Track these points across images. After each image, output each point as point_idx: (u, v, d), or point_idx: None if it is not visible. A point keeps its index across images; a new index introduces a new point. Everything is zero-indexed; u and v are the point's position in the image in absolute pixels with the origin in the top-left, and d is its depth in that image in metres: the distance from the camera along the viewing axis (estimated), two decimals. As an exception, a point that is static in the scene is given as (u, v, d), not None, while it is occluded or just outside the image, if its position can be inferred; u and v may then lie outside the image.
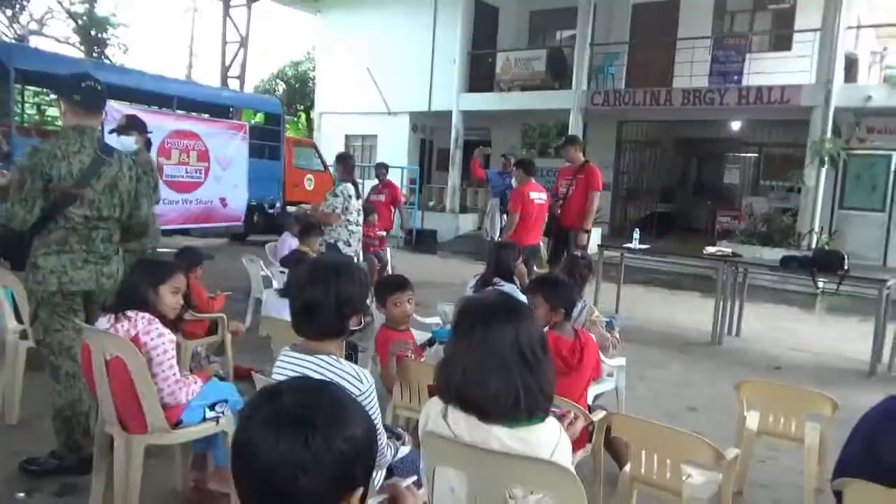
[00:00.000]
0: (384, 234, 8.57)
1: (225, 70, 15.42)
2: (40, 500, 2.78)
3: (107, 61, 14.35)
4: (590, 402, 3.10)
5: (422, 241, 13.68)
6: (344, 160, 6.29)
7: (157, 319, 2.52)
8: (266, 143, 11.95)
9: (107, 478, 2.60)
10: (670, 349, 6.06)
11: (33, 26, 14.55)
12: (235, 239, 12.30)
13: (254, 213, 11.58)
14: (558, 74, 14.44)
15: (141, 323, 2.48)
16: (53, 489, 2.85)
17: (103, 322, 2.54)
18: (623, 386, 3.75)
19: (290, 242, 6.54)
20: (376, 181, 9.41)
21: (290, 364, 1.98)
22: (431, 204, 15.98)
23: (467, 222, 15.11)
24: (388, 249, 8.57)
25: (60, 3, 14.63)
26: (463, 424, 1.61)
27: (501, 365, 1.56)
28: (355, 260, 5.94)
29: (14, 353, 3.66)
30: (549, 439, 1.58)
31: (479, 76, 15.39)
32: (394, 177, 15.89)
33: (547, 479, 1.57)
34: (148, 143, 4.93)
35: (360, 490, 0.98)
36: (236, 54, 15.48)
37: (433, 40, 15.93)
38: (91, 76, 2.98)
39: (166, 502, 2.80)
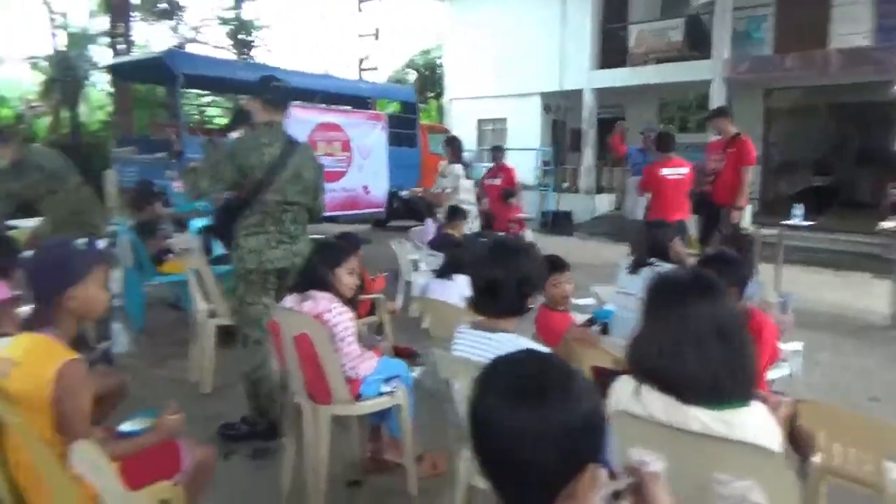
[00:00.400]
0: (524, 216, 8.56)
1: (360, 63, 16.01)
2: (237, 463, 3.08)
3: (254, 61, 15.30)
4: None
5: (557, 224, 13.53)
6: (452, 143, 6.43)
7: (337, 298, 2.69)
8: (402, 131, 12.28)
9: (296, 444, 2.82)
10: (843, 333, 5.59)
11: (190, 34, 15.81)
12: (377, 225, 12.80)
13: (393, 200, 11.98)
14: (697, 44, 13.62)
15: (323, 302, 2.65)
16: (248, 453, 3.14)
17: (290, 301, 2.74)
18: (799, 372, 3.51)
19: (429, 227, 6.72)
20: (492, 164, 9.38)
21: (469, 341, 2.03)
22: (566, 185, 15.73)
23: (604, 203, 14.74)
24: (529, 231, 8.56)
25: (214, 13, 15.74)
26: (659, 405, 1.57)
27: (699, 343, 1.51)
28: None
29: (205, 329, 4.06)
30: (756, 423, 1.50)
31: (611, 51, 14.86)
32: (526, 159, 15.94)
33: (755, 465, 1.50)
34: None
35: (593, 468, 0.97)
36: (370, 47, 16.02)
37: (563, 17, 15.59)
38: (277, 77, 3.35)
39: (345, 469, 2.99)
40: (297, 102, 10.75)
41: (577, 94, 15.05)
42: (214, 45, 16.37)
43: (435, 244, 5.71)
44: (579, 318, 3.42)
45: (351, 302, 2.79)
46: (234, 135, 4.87)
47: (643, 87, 14.49)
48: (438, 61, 22.44)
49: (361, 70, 15.70)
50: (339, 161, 10.67)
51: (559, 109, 17.42)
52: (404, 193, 11.42)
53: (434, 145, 13.24)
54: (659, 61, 13.94)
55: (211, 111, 15.06)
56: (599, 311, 3.40)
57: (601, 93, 14.88)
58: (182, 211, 7.14)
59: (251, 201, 3.20)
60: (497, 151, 9.34)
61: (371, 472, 2.99)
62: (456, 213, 5.74)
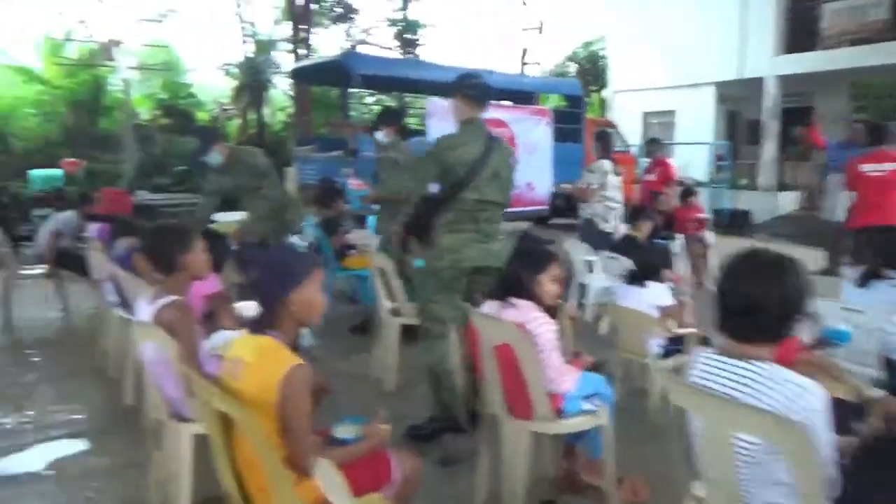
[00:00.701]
0: (704, 216, 7.93)
1: (522, 57, 15.83)
2: (428, 469, 3.03)
3: (422, 60, 15.66)
4: None
5: (734, 223, 12.51)
6: (601, 138, 6.30)
7: (539, 307, 2.53)
8: (566, 126, 11.94)
9: (489, 456, 2.71)
10: None
11: (360, 36, 16.50)
12: (539, 222, 12.58)
13: (556, 197, 11.69)
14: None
15: (525, 311, 2.50)
16: (437, 458, 3.09)
17: (489, 308, 2.63)
18: None
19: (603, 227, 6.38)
20: (648, 159, 8.76)
21: (713, 369, 1.77)
22: (743, 182, 14.52)
23: (787, 201, 13.42)
24: (710, 233, 7.91)
25: (385, 17, 16.31)
26: None
27: None
28: (614, 236, 6.04)
29: (389, 328, 4.10)
30: None
31: (799, 34, 13.44)
32: (698, 154, 14.92)
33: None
34: (403, 132, 5.21)
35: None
36: (533, 41, 15.78)
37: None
38: (476, 74, 3.32)
39: (538, 485, 2.83)
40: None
41: (757, 82, 13.81)
42: (382, 45, 16.97)
43: (616, 246, 5.40)
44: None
45: (551, 310, 2.62)
46: (380, 134, 5.00)
47: (834, 72, 12.97)
48: (602, 53, 21.70)
49: (524, 64, 15.50)
50: (504, 157, 10.58)
51: (735, 100, 16.13)
52: (564, 187, 11.10)
53: (600, 140, 12.76)
54: (853, 43, 12.38)
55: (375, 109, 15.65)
56: (831, 330, 2.95)
57: (785, 80, 13.53)
58: (358, 208, 7.40)
59: (449, 199, 3.19)
60: (652, 145, 8.74)
61: (565, 492, 2.81)
62: (639, 213, 5.38)
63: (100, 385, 4.22)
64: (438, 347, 3.30)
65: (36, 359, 4.83)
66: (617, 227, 6.17)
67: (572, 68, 21.78)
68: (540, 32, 15.30)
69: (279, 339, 1.88)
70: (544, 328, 2.48)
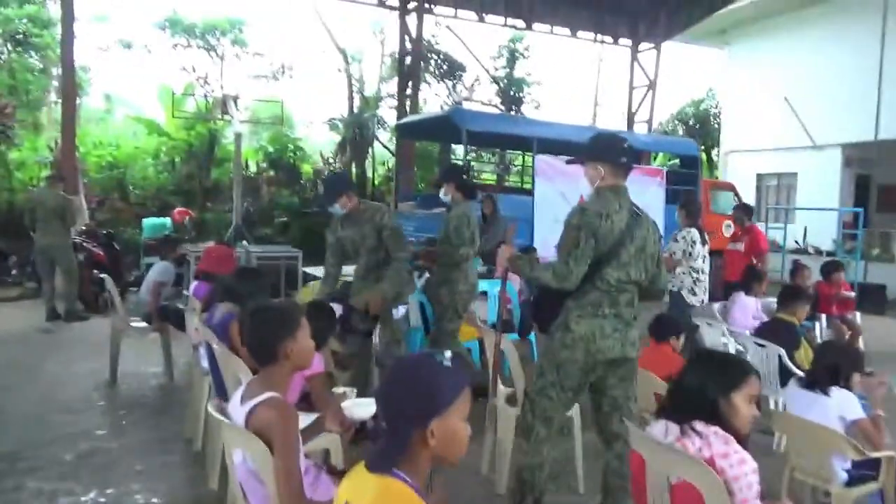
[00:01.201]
0: (851, 294, 6.97)
1: (631, 115, 15.25)
2: None
3: (530, 117, 15.40)
4: None
5: (866, 299, 11.15)
6: (688, 205, 6.04)
7: (732, 438, 1.92)
8: (681, 187, 11.19)
9: None
10: None
11: (464, 94, 16.47)
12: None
13: (668, 263, 10.87)
14: None
15: (716, 442, 1.91)
16: None
17: (659, 430, 2.05)
18: None
19: (745, 304, 5.62)
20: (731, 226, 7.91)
21: None
22: (876, 252, 13.13)
23: (931, 275, 11.93)
24: (858, 313, 6.94)
25: (487, 71, 16.26)
26: None
27: None
28: (697, 306, 5.84)
29: (503, 419, 3.55)
30: None
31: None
32: (826, 220, 13.70)
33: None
34: (471, 194, 4.84)
35: None
36: (644, 98, 15.20)
37: (881, 54, 13.25)
38: (622, 138, 3.05)
39: None
40: (568, 157, 10.39)
41: (892, 144, 12.58)
42: (485, 102, 16.89)
43: (763, 331, 4.65)
44: None
45: (745, 441, 2.00)
46: (441, 192, 4.67)
47: None
48: (714, 111, 20.80)
49: (631, 123, 14.94)
50: (613, 220, 9.97)
51: (864, 162, 14.82)
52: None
53: (718, 203, 11.91)
54: None
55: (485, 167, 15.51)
56: None
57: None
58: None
59: (589, 277, 2.78)
60: (740, 211, 7.86)
61: None
62: (793, 294, 4.63)
63: (187, 461, 3.90)
64: (538, 453, 2.89)
65: (128, 421, 4.59)
66: (704, 300, 5.93)
67: (679, 127, 20.97)
68: (650, 90, 14.66)
69: (411, 483, 1.39)
70: (741, 469, 1.87)
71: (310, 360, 2.22)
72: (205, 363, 3.85)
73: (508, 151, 12.85)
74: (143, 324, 5.65)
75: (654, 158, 14.66)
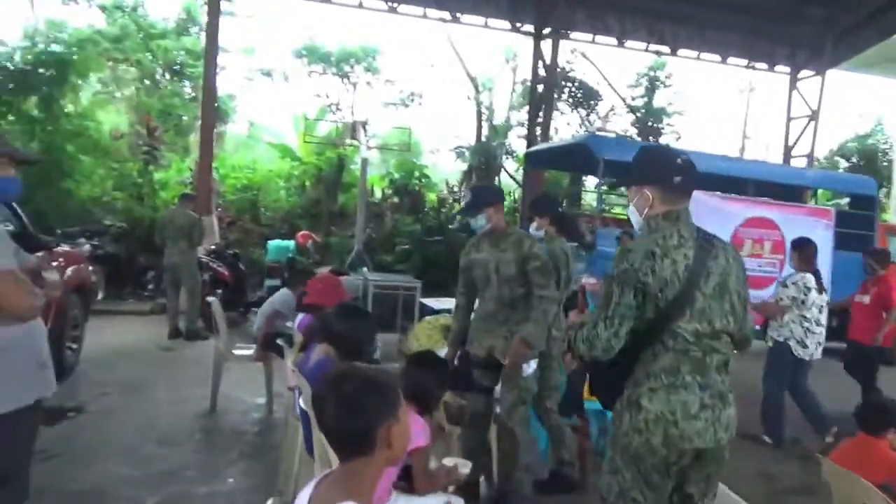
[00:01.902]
0: None
1: (788, 148, 13.73)
2: None
3: (669, 146, 14.29)
4: None
5: None
6: (801, 246, 5.44)
7: None
8: (853, 231, 9.68)
9: None
10: None
11: (598, 124, 15.64)
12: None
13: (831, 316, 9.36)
14: None
15: None
16: None
17: None
18: None
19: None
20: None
21: None
22: None
23: None
24: None
25: (624, 101, 15.35)
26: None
27: None
28: (807, 360, 5.31)
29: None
30: None
31: None
32: None
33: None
34: (567, 229, 4.20)
35: None
36: (803, 130, 13.63)
37: None
38: (680, 151, 2.41)
39: None
40: (720, 193, 9.26)
41: None
42: (619, 132, 15.93)
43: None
44: None
45: None
46: (533, 226, 4.05)
47: None
48: (883, 146, 18.52)
49: (789, 157, 13.43)
50: (769, 265, 8.73)
51: None
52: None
53: (896, 251, 10.20)
54: None
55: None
56: None
57: None
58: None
59: (653, 334, 2.11)
60: (874, 256, 6.34)
61: None
62: None
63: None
64: None
65: (221, 462, 4.22)
66: (815, 354, 5.37)
67: (840, 164, 18.82)
68: (812, 121, 13.12)
69: None
70: None
71: (404, 451, 1.59)
72: (298, 409, 3.38)
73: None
74: (247, 351, 5.35)
75: (813, 197, 13.02)
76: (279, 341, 3.91)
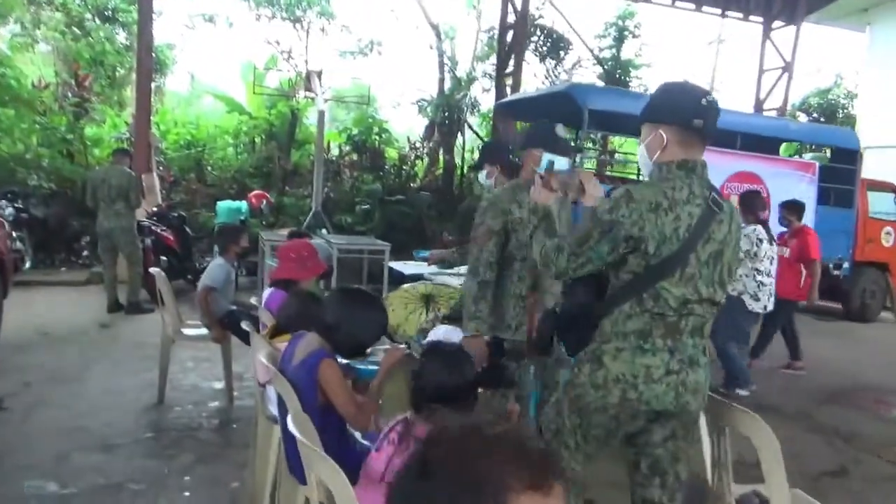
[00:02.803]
0: None
1: (760, 101, 13.36)
2: None
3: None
4: None
5: None
6: (748, 199, 5.47)
7: None
8: (835, 186, 9.37)
9: None
10: None
11: (563, 76, 14.97)
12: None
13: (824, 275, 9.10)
14: None
15: None
16: None
17: None
18: None
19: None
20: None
21: None
22: None
23: None
24: None
25: (591, 52, 14.69)
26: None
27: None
28: (759, 313, 5.39)
29: None
30: None
31: None
32: None
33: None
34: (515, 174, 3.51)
35: None
36: (776, 82, 13.26)
37: None
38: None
39: None
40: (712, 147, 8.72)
41: None
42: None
43: None
44: None
45: None
46: (483, 175, 3.53)
47: None
48: (843, 100, 18.46)
49: (761, 109, 13.08)
50: (754, 221, 8.33)
51: None
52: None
53: (877, 206, 9.98)
54: None
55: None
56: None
57: None
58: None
59: (633, 293, 1.97)
60: (787, 209, 6.27)
61: None
62: None
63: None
64: None
65: (172, 468, 3.48)
66: (768, 306, 5.38)
67: (802, 118, 18.68)
68: (787, 73, 12.76)
69: None
70: None
71: None
72: (273, 408, 2.69)
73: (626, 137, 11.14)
74: (200, 330, 4.57)
75: (798, 152, 12.71)
76: (244, 325, 3.16)
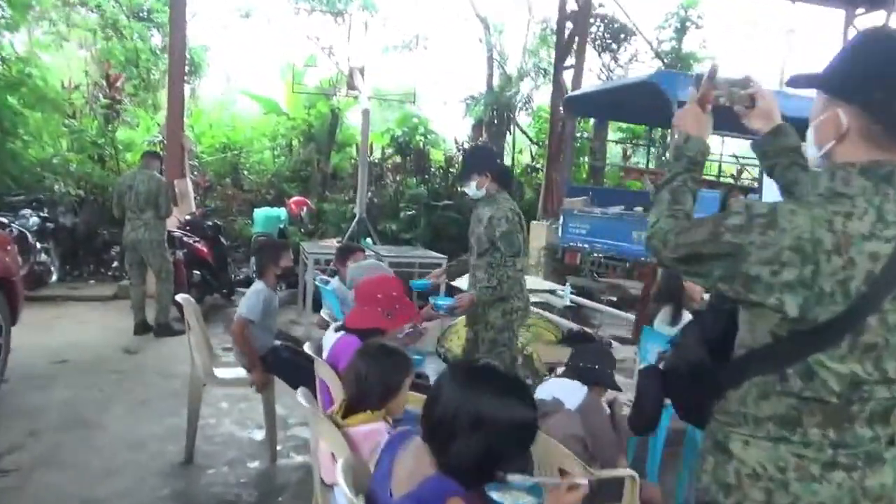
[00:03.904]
0: None
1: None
2: None
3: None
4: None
5: None
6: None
7: None
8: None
9: None
10: None
11: (619, 72, 13.93)
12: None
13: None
14: None
15: None
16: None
17: None
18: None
19: None
20: None
21: None
22: None
23: None
24: None
25: (650, 45, 13.63)
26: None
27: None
28: None
29: None
30: None
31: None
32: None
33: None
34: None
35: None
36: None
37: None
38: None
39: None
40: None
41: None
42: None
43: None
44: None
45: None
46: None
47: None
48: None
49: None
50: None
51: None
52: None
53: None
54: None
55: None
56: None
57: None
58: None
59: (773, 364, 1.24)
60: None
61: None
62: None
63: None
64: None
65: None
66: None
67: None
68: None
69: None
70: None
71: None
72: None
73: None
74: (237, 371, 3.72)
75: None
76: (301, 394, 2.25)
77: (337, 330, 2.64)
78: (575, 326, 4.77)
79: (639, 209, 6.81)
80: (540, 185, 12.39)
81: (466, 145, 12.65)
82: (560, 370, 3.30)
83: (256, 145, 13.03)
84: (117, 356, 5.61)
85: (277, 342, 3.85)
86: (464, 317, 4.24)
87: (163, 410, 4.25)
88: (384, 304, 2.55)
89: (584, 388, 2.63)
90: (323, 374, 2.48)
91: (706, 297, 3.58)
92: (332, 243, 8.65)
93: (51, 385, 4.71)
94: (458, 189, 12.83)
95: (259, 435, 3.94)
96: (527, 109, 13.60)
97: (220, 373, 3.69)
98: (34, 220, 8.13)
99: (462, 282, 4.55)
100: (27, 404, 4.29)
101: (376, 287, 2.64)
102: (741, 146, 10.69)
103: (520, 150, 14.50)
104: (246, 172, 12.35)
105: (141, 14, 13.41)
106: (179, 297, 3.85)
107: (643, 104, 6.98)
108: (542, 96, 13.96)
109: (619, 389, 2.78)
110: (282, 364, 3.58)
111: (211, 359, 3.73)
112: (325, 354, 2.59)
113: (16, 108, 9.20)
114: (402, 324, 2.69)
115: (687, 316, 3.43)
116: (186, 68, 13.95)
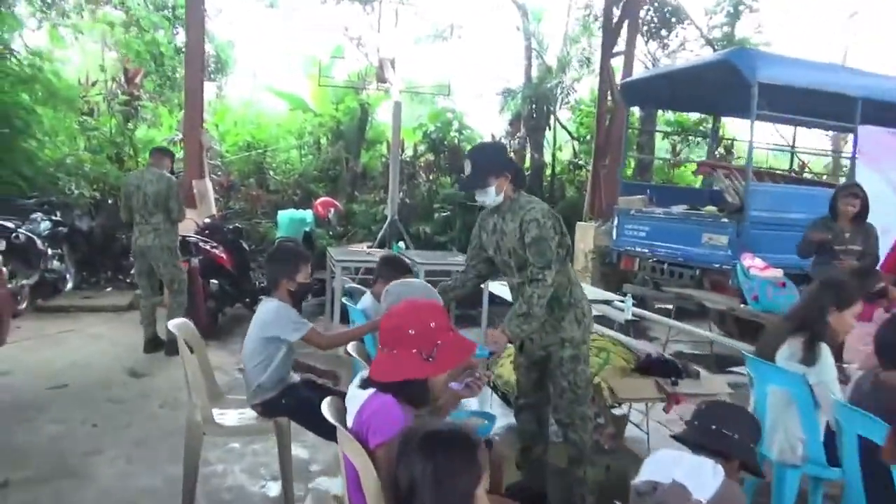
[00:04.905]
0: None
1: None
2: None
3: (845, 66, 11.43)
4: None
5: None
6: None
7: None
8: None
9: None
10: None
11: (665, 61, 12.99)
12: None
13: None
14: None
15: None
16: None
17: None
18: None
19: None
20: None
21: None
22: None
23: None
24: None
25: (700, 31, 12.67)
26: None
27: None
28: None
29: None
30: None
31: None
32: None
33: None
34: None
35: None
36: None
37: None
38: None
39: None
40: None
41: None
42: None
43: None
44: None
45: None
46: (489, 192, 2.77)
47: None
48: None
49: None
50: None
51: None
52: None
53: None
54: None
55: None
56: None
57: None
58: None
59: None
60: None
61: None
62: None
63: None
64: None
65: None
66: None
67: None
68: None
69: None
70: None
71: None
72: None
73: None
74: (244, 414, 3.00)
75: None
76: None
77: (363, 386, 1.87)
78: (652, 349, 3.95)
79: (711, 208, 5.96)
80: (584, 183, 11.54)
81: (502, 140, 11.86)
82: (669, 427, 2.52)
83: (282, 143, 12.42)
84: (121, 380, 4.95)
85: (296, 376, 3.13)
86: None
87: (162, 454, 3.57)
88: (419, 342, 1.78)
89: (720, 471, 1.83)
90: (348, 451, 1.74)
91: (856, 328, 2.76)
92: (362, 248, 7.93)
93: (40, 417, 4.07)
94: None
95: (274, 489, 3.23)
96: (568, 102, 12.75)
97: (224, 418, 2.96)
98: (45, 224, 7.58)
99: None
100: (7, 444, 3.64)
101: (404, 320, 1.86)
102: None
103: (559, 145, 13.66)
104: (272, 172, 11.74)
105: (165, 12, 12.92)
106: (170, 324, 3.16)
107: (712, 89, 6.13)
108: (583, 89, 13.13)
109: (762, 477, 1.99)
110: (302, 405, 2.85)
111: (213, 399, 3.02)
112: (349, 420, 1.84)
113: (28, 105, 8.68)
114: (452, 366, 1.92)
115: (825, 351, 2.60)
116: (213, 66, 13.47)
